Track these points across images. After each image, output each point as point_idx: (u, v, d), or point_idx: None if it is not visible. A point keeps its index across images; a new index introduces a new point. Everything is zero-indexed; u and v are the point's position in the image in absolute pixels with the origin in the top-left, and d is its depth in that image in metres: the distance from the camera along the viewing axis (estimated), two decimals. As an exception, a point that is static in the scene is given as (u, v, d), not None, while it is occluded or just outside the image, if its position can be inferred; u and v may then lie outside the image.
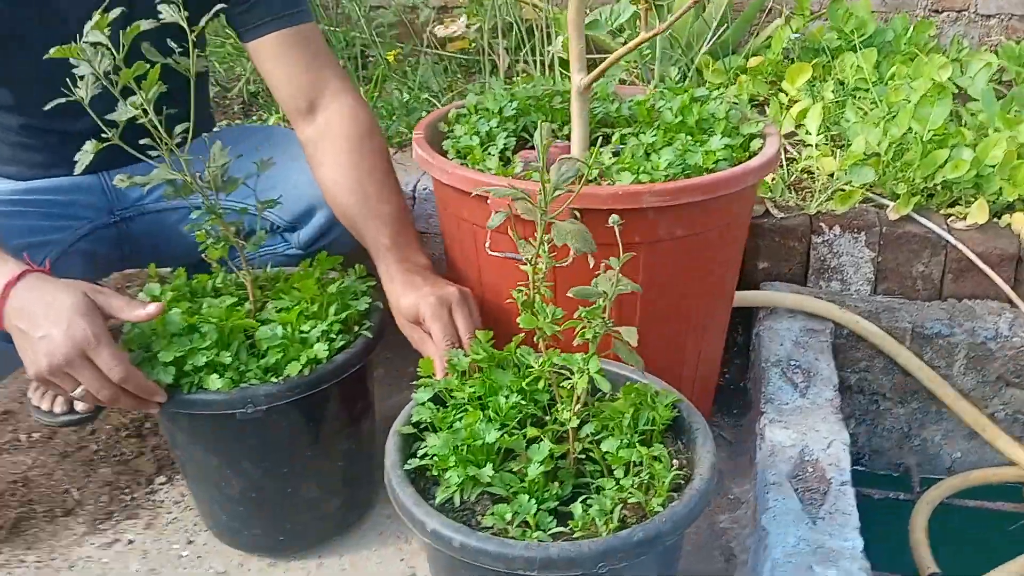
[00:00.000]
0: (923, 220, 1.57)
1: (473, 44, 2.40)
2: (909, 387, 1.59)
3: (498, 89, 1.38)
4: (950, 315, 1.55)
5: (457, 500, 0.91)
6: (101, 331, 1.02)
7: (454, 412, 1.00)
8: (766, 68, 2.11)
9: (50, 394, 1.45)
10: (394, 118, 1.92)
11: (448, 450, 0.93)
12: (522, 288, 0.94)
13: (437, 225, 1.75)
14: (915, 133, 1.63)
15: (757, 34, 2.41)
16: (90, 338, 1.00)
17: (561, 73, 2.04)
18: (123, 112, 1.00)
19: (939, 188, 1.64)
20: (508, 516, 0.87)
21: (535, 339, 0.97)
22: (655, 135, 1.15)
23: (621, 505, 0.89)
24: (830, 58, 2.12)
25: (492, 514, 0.87)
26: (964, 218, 1.57)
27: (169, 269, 1.51)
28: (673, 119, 1.21)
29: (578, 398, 0.95)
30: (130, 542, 1.31)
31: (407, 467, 0.94)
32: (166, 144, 1.06)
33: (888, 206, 1.62)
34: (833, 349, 1.53)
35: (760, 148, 1.18)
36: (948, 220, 1.59)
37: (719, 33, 2.14)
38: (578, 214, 1.07)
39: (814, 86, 2.00)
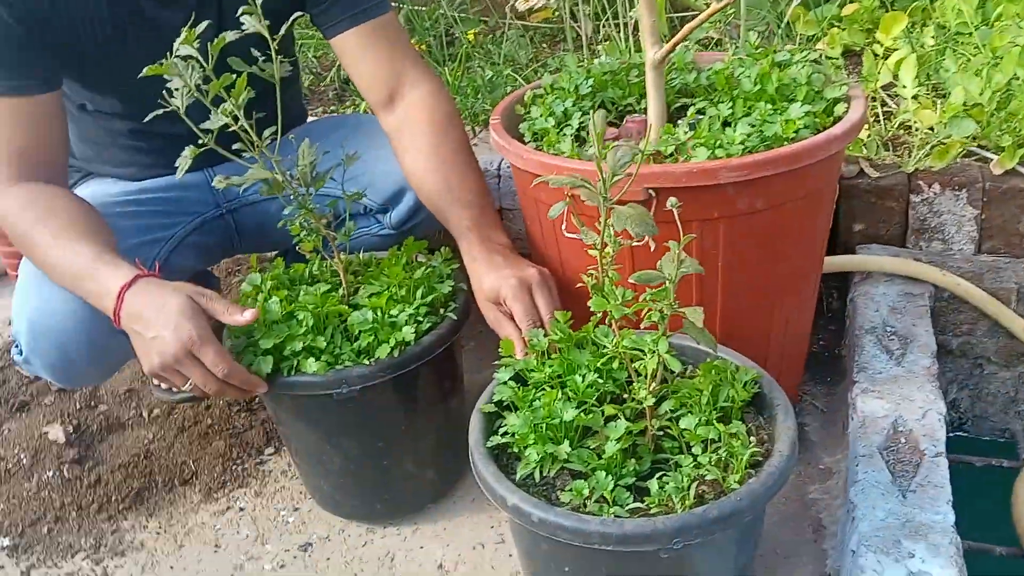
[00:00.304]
0: (1030, 174, 1.49)
1: (556, 13, 2.39)
2: (1016, 350, 1.52)
3: (572, 67, 1.38)
4: (1060, 274, 1.47)
5: (537, 476, 0.95)
6: (206, 332, 1.10)
7: (534, 391, 1.03)
8: (861, 16, 2.01)
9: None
10: (479, 96, 1.95)
11: (528, 428, 0.96)
12: (592, 272, 0.96)
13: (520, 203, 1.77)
14: (1021, 80, 1.53)
15: (853, -20, 2.31)
16: (195, 339, 1.08)
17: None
18: (215, 120, 1.06)
19: (1048, 139, 1.54)
20: (586, 492, 0.90)
21: (607, 320, 0.99)
22: (731, 106, 1.13)
23: (698, 482, 0.91)
24: (929, 1, 2.00)
25: (570, 490, 0.91)
26: (1076, 171, 1.48)
27: (275, 252, 1.60)
28: (752, 87, 1.18)
29: (653, 377, 0.96)
30: (241, 509, 1.41)
31: (489, 444, 0.98)
32: (257, 146, 1.11)
33: (992, 160, 1.54)
34: (933, 313, 1.48)
35: (845, 112, 1.15)
36: (1058, 173, 1.50)
37: (810, -17, 2.06)
38: (653, 192, 1.08)
39: (912, 32, 1.90)
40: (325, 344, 1.16)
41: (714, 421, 0.97)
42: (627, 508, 0.89)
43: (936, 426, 1.22)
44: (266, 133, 1.10)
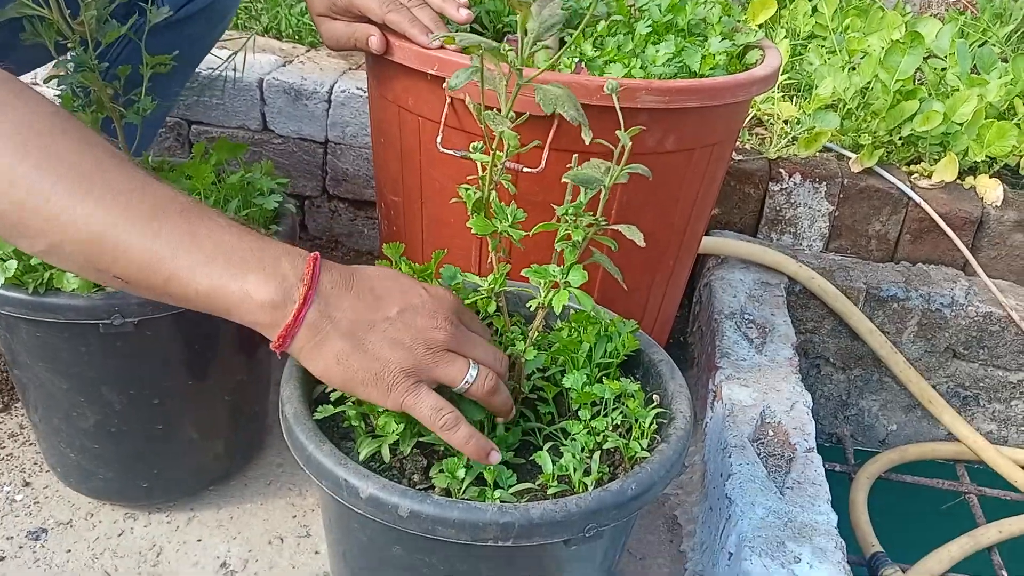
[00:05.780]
0: (887, 175, 1.47)
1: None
2: (854, 352, 1.49)
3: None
4: (906, 278, 1.45)
5: (387, 455, 0.71)
6: None
7: None
8: (713, 8, 1.96)
9: None
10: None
11: None
12: (468, 187, 0.75)
13: (352, 134, 1.52)
14: (882, 82, 1.52)
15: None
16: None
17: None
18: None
19: (900, 143, 1.54)
20: (461, 473, 0.68)
21: (491, 250, 0.78)
22: (649, 27, 0.97)
23: (598, 452, 0.72)
24: (778, 6, 1.99)
25: (441, 472, 0.68)
26: (929, 176, 1.48)
27: None
28: (661, 17, 1.02)
29: (538, 323, 0.77)
30: (-54, 482, 1.04)
31: (317, 416, 0.72)
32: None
33: (849, 158, 1.51)
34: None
35: (758, 60, 1.02)
36: (911, 177, 1.49)
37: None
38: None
39: (767, 32, 1.87)
40: (95, 257, 0.85)
41: (602, 379, 0.79)
42: (512, 491, 0.68)
43: (805, 419, 1.13)
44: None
